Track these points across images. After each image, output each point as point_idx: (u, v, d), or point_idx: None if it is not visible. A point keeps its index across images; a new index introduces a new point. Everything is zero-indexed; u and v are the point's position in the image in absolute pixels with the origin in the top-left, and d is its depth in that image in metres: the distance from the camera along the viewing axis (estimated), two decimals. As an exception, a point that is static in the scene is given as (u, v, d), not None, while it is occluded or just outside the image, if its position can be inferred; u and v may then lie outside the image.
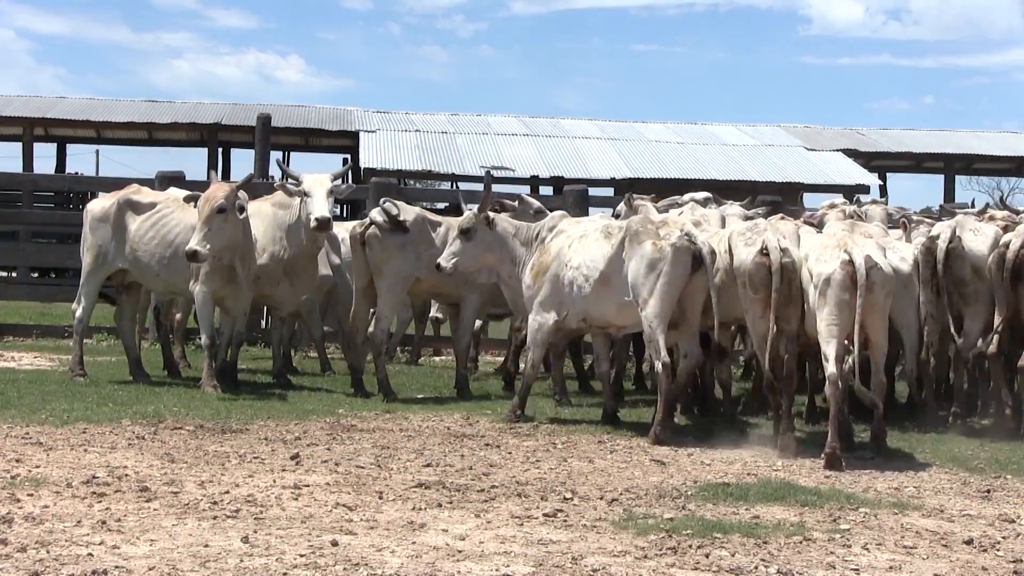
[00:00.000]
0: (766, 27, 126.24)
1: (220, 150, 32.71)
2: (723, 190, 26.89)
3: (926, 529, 6.61)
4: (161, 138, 34.46)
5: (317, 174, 11.65)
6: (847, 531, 6.45)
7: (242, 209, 11.07)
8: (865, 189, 29.76)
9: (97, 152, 40.81)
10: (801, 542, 6.17)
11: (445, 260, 10.61)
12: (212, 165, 31.15)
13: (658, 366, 9.48)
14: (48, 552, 5.49)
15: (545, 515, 6.57)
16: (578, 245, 10.12)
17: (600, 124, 33.16)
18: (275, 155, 23.01)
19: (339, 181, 12.01)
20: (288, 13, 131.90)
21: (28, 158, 30.96)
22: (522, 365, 11.51)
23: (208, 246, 10.86)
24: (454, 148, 29.67)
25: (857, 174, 29.82)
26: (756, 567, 5.67)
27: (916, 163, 34.76)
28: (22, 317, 17.62)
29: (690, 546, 6.00)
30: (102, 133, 34.17)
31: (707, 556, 5.83)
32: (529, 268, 10.36)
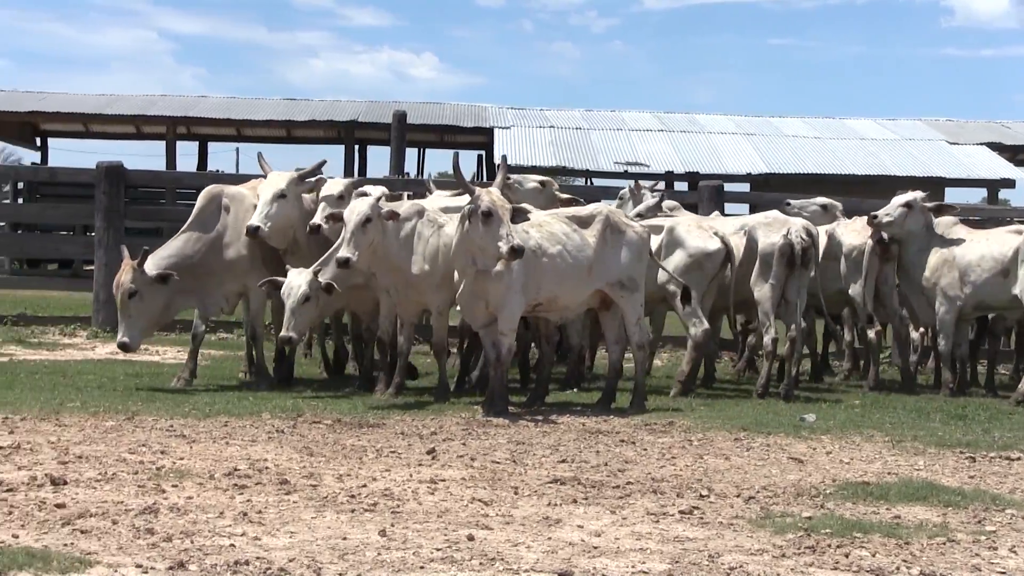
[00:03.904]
0: (906, 18, 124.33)
1: (356, 147, 33.16)
2: (861, 184, 26.63)
3: (1076, 532, 6.42)
4: (299, 136, 35.06)
5: (277, 174, 11.33)
6: (993, 533, 6.29)
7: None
8: (1010, 183, 29.13)
9: (237, 150, 41.62)
10: (944, 543, 6.03)
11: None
12: (349, 162, 31.60)
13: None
14: (192, 542, 5.60)
15: (681, 512, 6.53)
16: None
17: (735, 119, 32.89)
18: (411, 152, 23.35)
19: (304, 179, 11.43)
20: (421, 11, 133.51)
21: (171, 156, 31.76)
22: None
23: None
24: (588, 144, 29.69)
25: (1001, 168, 29.17)
26: (898, 568, 5.56)
27: (1063, 157, 33.85)
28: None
29: (829, 545, 5.90)
30: (242, 131, 34.83)
31: (847, 556, 5.74)
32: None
